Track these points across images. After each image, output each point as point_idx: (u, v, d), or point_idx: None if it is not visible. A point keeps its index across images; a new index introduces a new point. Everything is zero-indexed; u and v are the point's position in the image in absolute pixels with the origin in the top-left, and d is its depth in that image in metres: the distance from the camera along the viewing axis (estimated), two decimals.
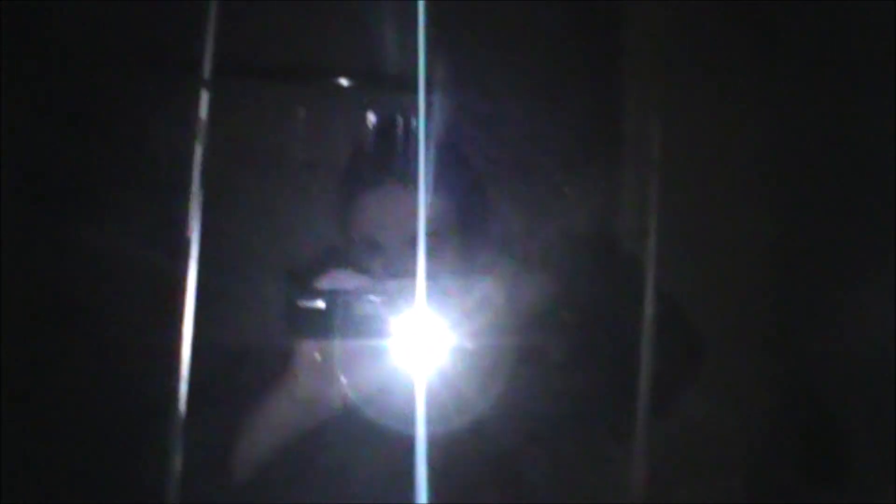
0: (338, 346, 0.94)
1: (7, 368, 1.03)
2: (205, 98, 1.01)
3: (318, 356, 0.94)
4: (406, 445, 0.91)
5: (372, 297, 0.94)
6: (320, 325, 0.94)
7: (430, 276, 0.95)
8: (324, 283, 0.96)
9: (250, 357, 1.01)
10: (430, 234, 0.97)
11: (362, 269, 0.98)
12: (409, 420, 0.92)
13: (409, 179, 0.99)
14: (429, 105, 1.00)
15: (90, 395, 1.06)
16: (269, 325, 1.02)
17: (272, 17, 1.12)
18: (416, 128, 1.01)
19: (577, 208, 1.07)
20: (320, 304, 0.94)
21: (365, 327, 0.94)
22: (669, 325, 1.03)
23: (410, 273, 0.95)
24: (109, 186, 1.11)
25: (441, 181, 0.99)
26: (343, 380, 0.94)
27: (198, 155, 1.02)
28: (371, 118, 1.11)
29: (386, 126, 1.08)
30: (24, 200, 1.09)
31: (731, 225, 1.12)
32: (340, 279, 0.96)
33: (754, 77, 1.12)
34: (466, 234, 1.03)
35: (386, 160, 1.05)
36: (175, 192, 1.01)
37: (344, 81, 1.16)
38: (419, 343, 0.94)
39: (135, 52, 1.11)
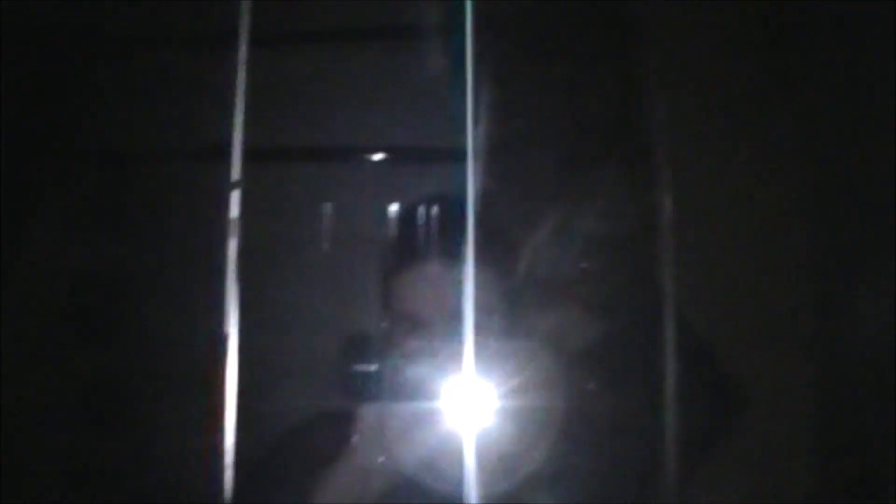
0: (389, 409, 0.96)
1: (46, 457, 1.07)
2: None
3: (370, 421, 0.96)
4: None
5: (422, 360, 0.97)
6: (372, 389, 0.96)
7: (478, 340, 0.97)
8: (375, 347, 0.98)
9: (296, 434, 1.03)
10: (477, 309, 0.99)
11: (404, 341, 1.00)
12: (459, 483, 0.93)
13: (448, 255, 1.02)
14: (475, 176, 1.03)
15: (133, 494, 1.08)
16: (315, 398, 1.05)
17: (303, 96, 1.17)
18: (462, 200, 1.03)
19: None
20: (372, 367, 0.97)
21: (415, 390, 0.96)
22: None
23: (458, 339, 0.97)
24: (145, 284, 1.14)
25: (484, 254, 1.01)
26: (394, 444, 0.95)
27: (232, 247, 1.05)
28: (407, 196, 1.13)
29: (422, 202, 1.11)
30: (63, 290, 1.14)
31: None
32: (391, 344, 0.99)
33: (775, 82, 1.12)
34: (511, 305, 1.05)
35: (424, 236, 1.07)
36: (210, 284, 1.04)
37: (378, 157, 1.20)
38: (468, 406, 0.96)
39: (163, 142, 1.15)
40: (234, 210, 1.05)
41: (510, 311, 1.05)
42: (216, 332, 1.01)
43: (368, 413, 0.96)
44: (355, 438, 0.96)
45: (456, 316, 1.00)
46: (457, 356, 0.97)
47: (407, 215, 1.13)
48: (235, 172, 1.06)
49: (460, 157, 1.04)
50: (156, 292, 1.15)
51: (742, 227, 1.12)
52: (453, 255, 1.02)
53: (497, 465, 0.94)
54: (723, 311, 1.10)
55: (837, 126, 1.12)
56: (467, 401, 0.96)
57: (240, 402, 1.00)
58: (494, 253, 1.04)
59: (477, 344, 0.97)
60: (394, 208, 1.14)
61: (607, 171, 1.10)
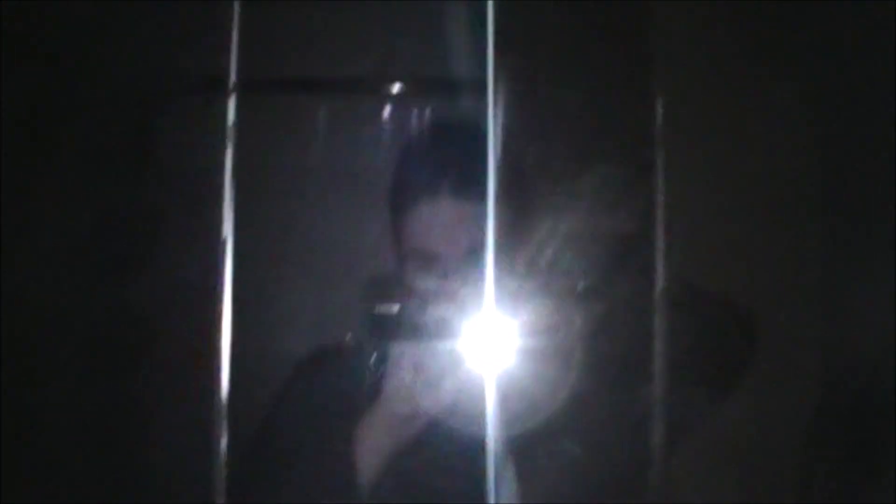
0: (414, 356, 0.96)
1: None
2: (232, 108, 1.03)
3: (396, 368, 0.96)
4: (478, 448, 0.93)
5: (443, 301, 0.97)
6: (394, 330, 0.97)
7: (499, 279, 0.96)
8: (398, 288, 0.98)
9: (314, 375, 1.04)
10: (493, 245, 0.97)
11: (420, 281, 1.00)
12: (481, 423, 0.94)
13: (462, 189, 1.00)
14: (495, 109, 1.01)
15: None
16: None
17: (322, 25, 1.14)
18: (483, 133, 1.01)
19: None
20: (394, 308, 0.97)
21: (436, 331, 0.96)
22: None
23: (476, 279, 0.97)
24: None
25: (503, 189, 0.99)
26: (417, 384, 0.96)
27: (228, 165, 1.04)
28: (424, 125, 1.11)
29: (438, 133, 1.09)
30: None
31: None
32: (412, 286, 0.99)
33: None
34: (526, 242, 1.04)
35: (436, 169, 1.04)
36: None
37: (397, 88, 1.17)
38: (489, 346, 0.96)
39: (162, 65, 1.13)
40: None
41: (532, 249, 1.04)
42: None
43: (389, 353, 0.96)
44: (376, 379, 0.97)
45: (476, 253, 0.99)
46: (477, 295, 0.97)
47: (427, 149, 1.12)
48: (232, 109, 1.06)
49: (481, 89, 1.02)
50: (168, 231, 1.15)
51: (747, 175, 1.10)
52: (465, 188, 1.01)
53: (518, 404, 0.95)
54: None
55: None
56: (488, 341, 0.96)
57: (253, 345, 1.02)
58: (516, 189, 1.02)
59: (498, 283, 0.97)
60: (413, 142, 1.13)
61: (627, 107, 1.07)
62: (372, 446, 0.97)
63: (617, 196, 1.03)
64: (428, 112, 1.13)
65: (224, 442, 1.01)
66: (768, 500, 1.04)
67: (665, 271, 1.02)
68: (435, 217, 1.03)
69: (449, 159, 1.03)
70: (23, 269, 1.12)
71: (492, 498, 0.93)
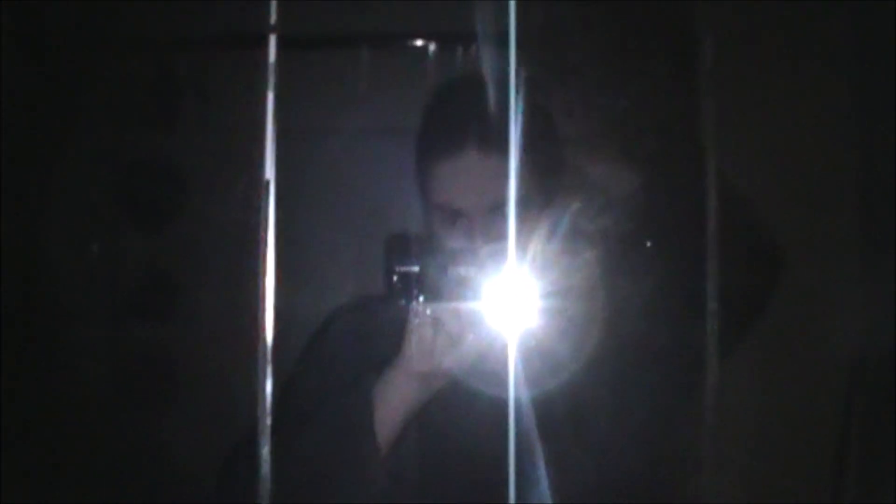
0: (435, 314, 0.95)
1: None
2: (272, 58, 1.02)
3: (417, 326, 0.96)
4: (500, 407, 0.93)
5: (465, 261, 0.96)
6: (416, 289, 0.96)
7: (521, 239, 0.95)
8: (419, 247, 0.97)
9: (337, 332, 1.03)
10: (517, 201, 0.96)
11: (446, 238, 0.99)
12: (503, 383, 0.93)
13: (490, 144, 0.98)
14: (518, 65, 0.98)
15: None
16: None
17: None
18: (506, 88, 0.99)
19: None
20: (415, 268, 0.96)
21: (459, 290, 0.95)
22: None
23: (500, 238, 0.95)
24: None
25: (527, 145, 0.97)
26: (442, 349, 0.95)
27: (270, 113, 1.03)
28: (449, 80, 1.09)
29: (461, 88, 1.07)
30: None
31: None
32: (435, 244, 0.98)
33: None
34: (552, 198, 1.02)
35: (462, 123, 1.02)
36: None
37: (420, 42, 1.15)
38: (512, 305, 0.95)
39: (203, 18, 1.12)
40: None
41: (554, 206, 1.03)
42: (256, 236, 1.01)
43: (416, 319, 0.96)
44: (404, 345, 0.96)
45: (495, 205, 0.98)
46: (500, 255, 0.95)
47: (454, 103, 1.09)
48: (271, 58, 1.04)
49: (503, 42, 1.00)
50: (200, 184, 1.15)
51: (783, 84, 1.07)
52: (491, 142, 0.99)
53: (541, 365, 0.94)
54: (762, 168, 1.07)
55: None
56: (511, 300, 0.95)
57: (277, 297, 1.02)
58: (539, 142, 1.00)
59: (520, 242, 0.95)
60: (440, 95, 1.11)
61: (650, 57, 1.04)
62: (391, 403, 0.97)
63: (649, 145, 1.02)
64: (455, 65, 1.11)
65: (269, 386, 1.01)
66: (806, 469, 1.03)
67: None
68: (460, 171, 1.01)
69: (476, 113, 1.01)
70: (55, 220, 1.13)
71: (512, 458, 0.92)
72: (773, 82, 1.10)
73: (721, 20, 1.06)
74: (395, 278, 0.97)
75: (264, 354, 1.00)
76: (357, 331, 1.07)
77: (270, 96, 1.04)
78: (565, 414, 0.95)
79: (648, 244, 1.01)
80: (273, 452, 0.99)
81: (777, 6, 1.09)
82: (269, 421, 0.99)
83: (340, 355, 1.05)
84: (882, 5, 1.03)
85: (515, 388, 0.93)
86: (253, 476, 0.95)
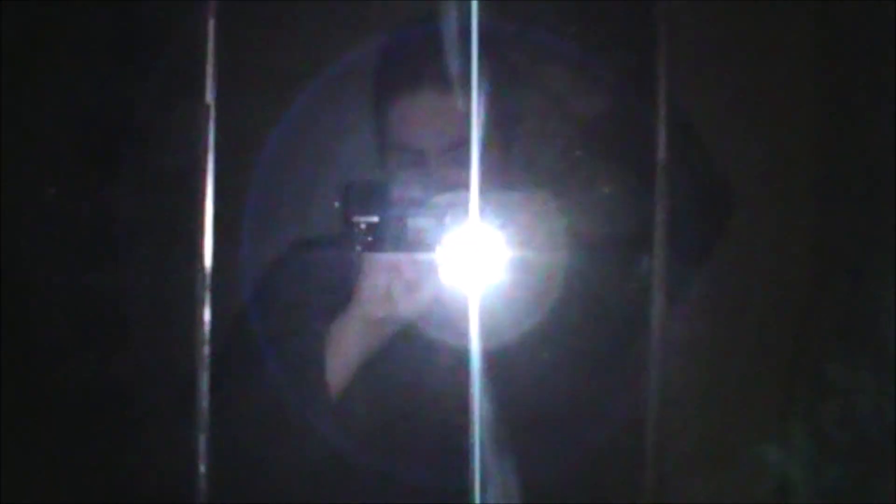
0: (392, 259, 0.94)
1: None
2: None
3: (373, 270, 0.94)
4: (460, 359, 0.93)
5: (425, 211, 0.94)
6: (374, 239, 0.94)
7: (482, 188, 0.93)
8: (378, 197, 0.95)
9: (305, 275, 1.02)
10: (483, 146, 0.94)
11: (404, 180, 0.97)
12: (463, 332, 0.93)
13: (448, 83, 0.95)
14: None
15: None
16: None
17: None
18: (458, 28, 0.95)
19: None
20: (374, 218, 0.94)
21: (418, 241, 0.94)
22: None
23: (459, 184, 0.94)
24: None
25: (485, 85, 0.94)
26: (398, 294, 0.94)
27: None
28: (406, 20, 1.04)
29: (422, 25, 1.03)
30: None
31: None
32: (394, 193, 0.96)
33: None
34: (511, 142, 1.00)
35: (423, 62, 0.99)
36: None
37: None
38: (472, 256, 0.94)
39: None
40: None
41: (515, 148, 1.01)
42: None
43: (371, 263, 0.94)
44: (359, 289, 0.95)
45: (453, 144, 0.96)
46: (461, 204, 0.94)
47: (409, 41, 1.06)
48: None
49: None
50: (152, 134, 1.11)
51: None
52: (448, 80, 0.97)
53: (501, 316, 0.94)
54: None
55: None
56: (471, 251, 0.94)
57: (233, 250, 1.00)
58: (500, 82, 0.97)
59: (482, 191, 0.94)
60: (395, 34, 1.07)
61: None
62: (343, 348, 0.96)
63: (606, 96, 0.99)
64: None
65: (207, 315, 1.01)
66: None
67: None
68: (417, 110, 0.99)
69: (433, 52, 0.98)
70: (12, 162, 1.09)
71: (476, 407, 0.93)
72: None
73: None
74: (354, 228, 0.95)
75: (202, 282, 0.99)
76: (309, 271, 1.05)
77: (211, 24, 1.00)
78: (523, 366, 0.95)
79: (606, 190, 1.00)
80: (221, 394, 0.99)
81: None
82: (206, 350, 1.00)
83: (291, 295, 1.04)
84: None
85: (476, 337, 0.93)
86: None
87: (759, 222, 1.07)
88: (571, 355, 0.97)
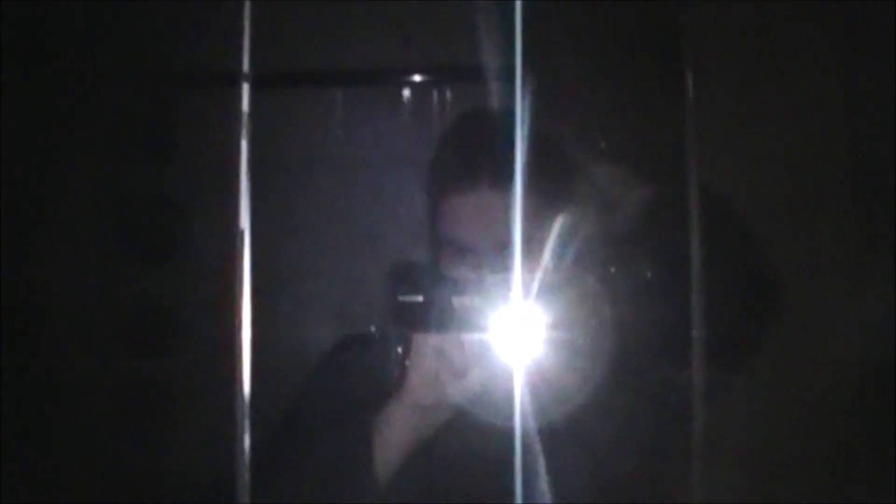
0: (439, 343, 0.95)
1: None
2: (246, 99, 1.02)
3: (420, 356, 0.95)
4: (506, 439, 0.92)
5: (470, 291, 0.95)
6: (420, 319, 0.95)
7: (527, 269, 0.95)
8: (423, 277, 0.97)
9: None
10: (526, 238, 0.96)
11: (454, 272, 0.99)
12: (509, 414, 0.93)
13: (500, 181, 0.98)
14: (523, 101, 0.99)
15: None
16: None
17: (335, 14, 1.13)
18: (511, 125, 0.99)
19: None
20: (419, 297, 0.96)
21: (463, 321, 0.95)
22: None
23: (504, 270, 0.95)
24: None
25: (534, 181, 0.97)
26: (447, 379, 0.94)
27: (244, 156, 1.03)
28: (461, 115, 1.09)
29: (472, 124, 1.07)
30: None
31: None
32: (438, 274, 0.98)
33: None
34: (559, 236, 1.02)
35: (474, 160, 1.02)
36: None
37: (423, 77, 1.16)
38: (517, 337, 0.95)
39: (177, 57, 1.13)
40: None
41: (560, 240, 1.03)
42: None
43: (419, 348, 0.95)
44: (406, 375, 0.95)
45: (505, 243, 0.98)
46: (505, 285, 0.95)
47: (467, 138, 1.10)
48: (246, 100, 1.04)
49: (509, 76, 1.01)
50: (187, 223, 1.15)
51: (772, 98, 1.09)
52: (503, 179, 1.00)
53: (547, 396, 0.94)
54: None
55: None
56: (517, 331, 0.95)
57: (275, 337, 1.01)
58: (545, 176, 1.01)
59: (525, 273, 0.95)
60: (452, 130, 1.11)
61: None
62: (393, 436, 0.96)
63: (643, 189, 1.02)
64: (460, 100, 1.12)
65: (247, 435, 1.00)
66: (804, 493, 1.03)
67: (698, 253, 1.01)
68: (471, 208, 1.01)
69: (488, 149, 1.01)
70: (47, 260, 1.12)
71: (519, 492, 0.91)
72: (761, 90, 1.11)
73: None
74: (398, 308, 0.96)
75: (242, 407, 0.99)
76: (361, 362, 1.06)
77: (244, 144, 1.04)
78: (570, 445, 0.94)
79: (648, 275, 1.01)
80: (274, 484, 0.98)
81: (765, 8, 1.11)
82: (247, 476, 0.98)
83: (343, 386, 1.04)
84: (874, 6, 1.04)
85: (522, 419, 0.92)
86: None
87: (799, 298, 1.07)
88: (616, 439, 0.95)
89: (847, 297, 1.09)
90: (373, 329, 1.05)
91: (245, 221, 1.03)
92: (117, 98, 1.19)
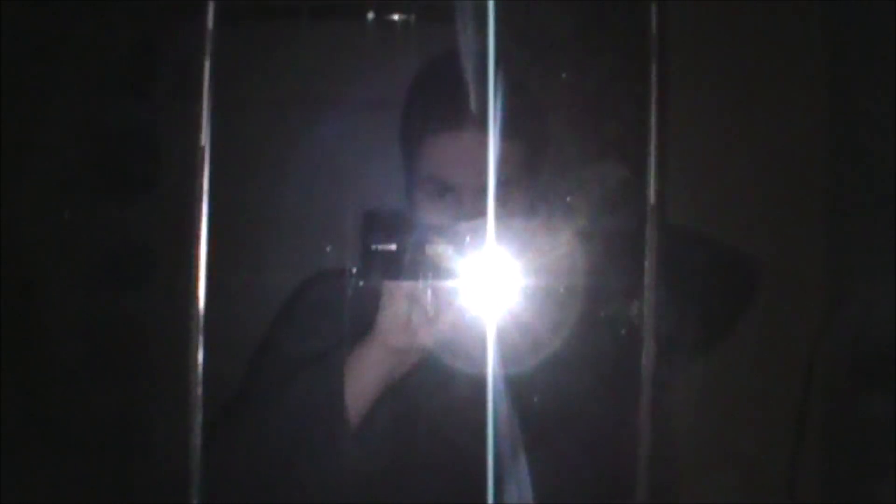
0: (411, 288, 0.95)
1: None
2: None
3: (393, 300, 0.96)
4: (477, 383, 0.93)
5: (443, 239, 0.95)
6: (393, 267, 0.95)
7: (501, 217, 0.95)
8: (397, 225, 0.97)
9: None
10: (503, 181, 0.95)
11: (431, 212, 0.98)
12: (481, 361, 0.94)
13: (484, 123, 0.97)
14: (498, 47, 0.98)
15: None
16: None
17: None
18: (487, 69, 0.98)
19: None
20: (392, 246, 0.96)
21: (437, 269, 0.95)
22: None
23: (480, 215, 0.95)
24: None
25: (514, 126, 0.96)
26: (418, 323, 0.95)
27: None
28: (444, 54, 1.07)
29: (450, 64, 1.06)
30: None
31: None
32: (413, 221, 0.98)
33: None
34: (536, 179, 1.02)
35: (460, 101, 1.00)
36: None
37: (403, 16, 1.14)
38: (490, 284, 0.95)
39: None
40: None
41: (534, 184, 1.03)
42: None
43: (391, 292, 0.95)
44: (379, 318, 0.96)
45: (478, 187, 0.97)
46: (479, 232, 0.95)
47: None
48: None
49: (481, 16, 0.99)
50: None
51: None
52: (476, 120, 0.99)
53: (519, 342, 0.95)
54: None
55: None
56: (489, 279, 0.95)
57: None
58: (519, 117, 1.00)
59: (499, 220, 0.95)
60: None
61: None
62: (363, 377, 0.96)
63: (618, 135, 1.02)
64: (437, 38, 1.09)
65: (200, 357, 1.01)
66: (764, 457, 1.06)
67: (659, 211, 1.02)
68: (458, 146, 1.01)
69: (453, 88, 1.00)
70: (24, 195, 1.11)
71: (491, 435, 0.93)
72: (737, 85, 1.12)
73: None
74: (372, 256, 0.96)
75: (197, 325, 1.00)
76: (330, 302, 1.06)
77: (207, 64, 1.03)
78: (542, 392, 0.95)
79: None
80: (244, 422, 1.00)
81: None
82: (199, 391, 1.00)
83: (312, 325, 1.04)
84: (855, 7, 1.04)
85: (493, 366, 0.94)
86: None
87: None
88: (587, 382, 0.97)
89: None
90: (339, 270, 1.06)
91: (205, 138, 1.02)
92: (94, 33, 1.15)
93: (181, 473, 0.98)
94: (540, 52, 1.05)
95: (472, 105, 0.99)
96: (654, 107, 1.03)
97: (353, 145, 1.09)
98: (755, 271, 1.08)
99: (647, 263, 1.00)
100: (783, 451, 1.09)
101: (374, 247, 0.96)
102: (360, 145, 1.09)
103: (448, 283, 0.95)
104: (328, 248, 1.09)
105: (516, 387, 0.94)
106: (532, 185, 1.01)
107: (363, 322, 0.98)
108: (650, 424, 0.99)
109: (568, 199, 1.01)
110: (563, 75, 1.09)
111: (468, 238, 0.95)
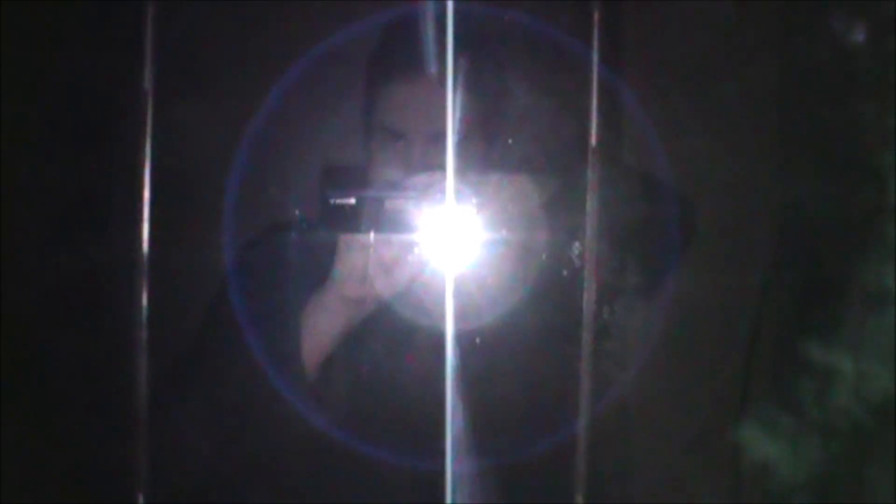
0: (369, 240, 0.95)
1: None
2: None
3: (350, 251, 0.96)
4: (435, 340, 0.94)
5: (402, 192, 0.95)
6: (351, 222, 0.95)
7: (459, 171, 0.95)
8: (356, 179, 0.96)
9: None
10: (459, 134, 0.95)
11: (383, 161, 0.98)
12: (439, 315, 0.95)
13: (440, 74, 0.97)
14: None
15: None
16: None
17: None
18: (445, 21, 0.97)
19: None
20: (351, 200, 0.95)
21: (395, 223, 0.95)
22: None
23: (432, 165, 0.95)
24: None
25: (471, 79, 0.96)
26: (375, 274, 0.95)
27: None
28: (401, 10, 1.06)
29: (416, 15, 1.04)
30: None
31: None
32: (370, 175, 0.97)
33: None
34: (493, 133, 1.02)
35: (415, 51, 1.00)
36: None
37: None
38: (448, 238, 0.96)
39: None
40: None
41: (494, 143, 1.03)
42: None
43: (348, 243, 0.95)
44: (335, 269, 0.96)
45: (437, 134, 0.97)
46: (437, 186, 0.95)
47: (384, 29, 1.07)
48: None
49: None
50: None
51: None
52: (430, 71, 0.98)
53: (477, 297, 0.96)
54: None
55: None
56: (448, 232, 0.96)
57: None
58: (477, 68, 1.00)
59: (458, 173, 0.95)
60: (371, 21, 1.08)
61: None
62: (319, 327, 0.97)
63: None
64: None
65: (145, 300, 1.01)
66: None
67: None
68: (412, 94, 1.01)
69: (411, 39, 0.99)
70: None
71: (450, 388, 0.94)
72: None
73: None
74: (331, 209, 0.96)
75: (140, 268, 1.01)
76: (285, 253, 1.05)
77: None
78: (483, 334, 0.97)
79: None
80: (200, 373, 1.00)
81: None
82: (145, 335, 1.01)
83: (267, 277, 1.04)
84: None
85: (451, 319, 0.95)
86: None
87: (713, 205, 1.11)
88: (545, 336, 0.98)
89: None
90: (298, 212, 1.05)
91: (148, 82, 1.01)
92: None
93: (128, 424, 0.99)
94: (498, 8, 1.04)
95: (429, 57, 0.98)
96: (595, 44, 1.04)
97: (312, 99, 1.08)
98: (693, 210, 1.10)
99: (588, 204, 1.01)
100: (732, 393, 1.12)
101: (332, 201, 0.95)
102: (320, 99, 1.08)
103: (406, 237, 0.96)
104: (283, 201, 1.08)
105: (473, 342, 0.95)
106: (489, 140, 1.01)
107: (318, 274, 0.98)
108: (591, 367, 1.01)
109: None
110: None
111: (426, 191, 0.95)
